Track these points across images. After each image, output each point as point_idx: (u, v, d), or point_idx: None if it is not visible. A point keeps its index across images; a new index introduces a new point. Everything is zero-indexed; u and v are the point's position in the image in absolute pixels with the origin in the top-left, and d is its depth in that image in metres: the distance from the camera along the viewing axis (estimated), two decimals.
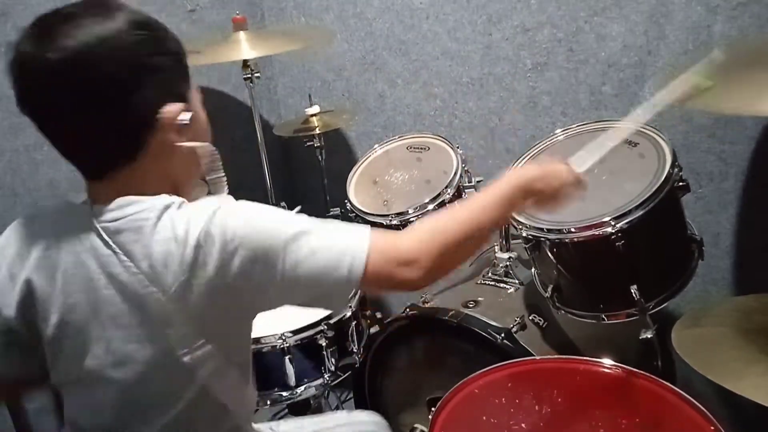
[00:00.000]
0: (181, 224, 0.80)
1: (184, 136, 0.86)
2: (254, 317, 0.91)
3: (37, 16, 0.80)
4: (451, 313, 1.41)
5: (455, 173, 1.52)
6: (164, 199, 0.83)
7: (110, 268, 0.81)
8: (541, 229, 1.25)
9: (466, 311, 1.42)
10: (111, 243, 0.81)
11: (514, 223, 1.32)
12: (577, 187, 1.04)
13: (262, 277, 0.82)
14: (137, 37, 0.80)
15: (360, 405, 1.66)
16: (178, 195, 0.86)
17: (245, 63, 1.84)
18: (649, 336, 1.24)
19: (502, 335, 1.33)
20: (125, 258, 0.80)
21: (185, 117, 0.85)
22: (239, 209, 0.85)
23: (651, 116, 1.12)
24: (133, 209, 0.82)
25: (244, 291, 0.83)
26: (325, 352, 1.48)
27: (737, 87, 1.03)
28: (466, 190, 1.54)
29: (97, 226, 0.82)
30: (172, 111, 0.84)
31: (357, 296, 1.56)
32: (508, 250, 1.60)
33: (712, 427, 0.96)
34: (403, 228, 1.50)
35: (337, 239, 0.85)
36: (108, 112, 0.80)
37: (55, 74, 0.77)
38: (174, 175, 0.88)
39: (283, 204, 2.03)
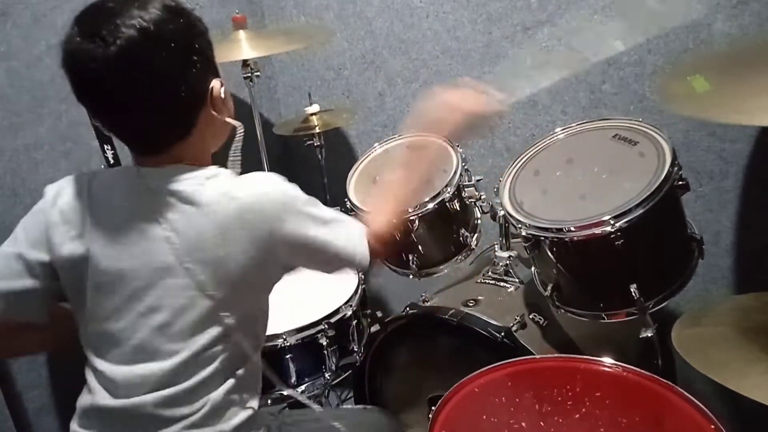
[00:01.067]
0: (231, 191, 0.89)
1: (222, 109, 0.95)
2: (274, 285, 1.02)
3: (80, 12, 0.84)
4: (451, 312, 1.41)
5: (455, 172, 1.52)
6: (211, 169, 0.93)
7: (157, 229, 0.89)
8: (541, 228, 1.25)
9: (466, 310, 1.42)
10: (161, 207, 0.89)
11: (514, 223, 1.32)
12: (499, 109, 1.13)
13: (300, 252, 0.96)
14: (178, 23, 0.86)
15: (360, 404, 1.66)
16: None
17: (245, 62, 1.84)
18: (649, 335, 1.24)
19: (502, 334, 1.33)
20: (169, 227, 0.88)
21: (224, 91, 0.94)
22: (287, 186, 0.96)
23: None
24: (186, 177, 0.90)
25: (279, 256, 0.94)
26: (325, 351, 1.48)
27: (734, 96, 1.03)
28: (466, 189, 1.54)
29: (152, 187, 0.90)
30: (216, 86, 0.93)
31: (358, 296, 1.56)
32: (508, 249, 1.60)
33: (713, 426, 0.96)
34: (403, 227, 1.50)
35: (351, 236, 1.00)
36: (166, 96, 0.86)
37: (110, 68, 0.81)
38: (210, 145, 0.98)
39: None
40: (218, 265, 0.90)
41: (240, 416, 0.98)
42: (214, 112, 0.93)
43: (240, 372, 0.98)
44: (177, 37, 0.85)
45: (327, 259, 1.00)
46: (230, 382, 0.97)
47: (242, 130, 0.99)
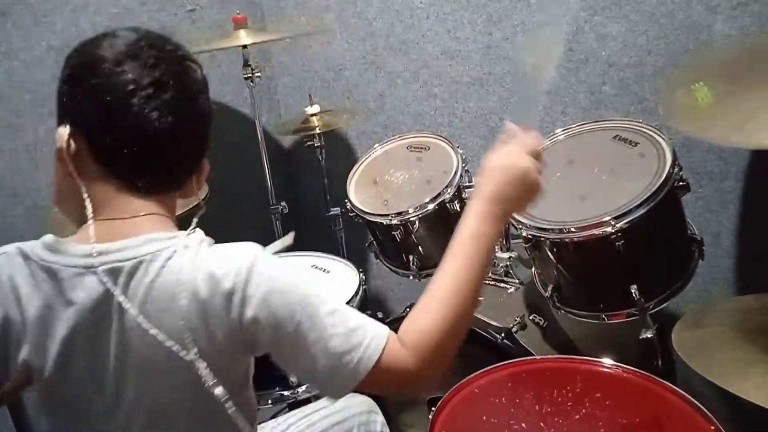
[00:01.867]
0: (208, 269, 0.76)
1: (198, 187, 0.90)
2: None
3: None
4: None
5: (455, 173, 1.52)
6: (182, 239, 0.79)
7: (117, 315, 0.77)
8: (541, 229, 1.25)
9: None
10: (114, 285, 0.77)
11: (514, 223, 1.32)
12: (541, 166, 0.87)
13: (276, 340, 0.78)
14: (207, 98, 0.87)
15: None
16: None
17: (246, 62, 1.84)
18: (649, 336, 1.24)
19: (502, 335, 1.33)
20: (126, 301, 0.76)
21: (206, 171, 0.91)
22: (273, 266, 0.79)
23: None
24: (149, 247, 0.77)
25: (259, 344, 0.79)
26: None
27: (735, 115, 1.03)
28: (466, 190, 1.54)
29: (101, 268, 0.77)
30: (206, 166, 0.90)
31: (359, 297, 1.56)
32: (508, 250, 1.60)
33: (712, 427, 0.96)
34: (403, 228, 1.50)
35: (358, 329, 0.78)
36: (186, 157, 0.86)
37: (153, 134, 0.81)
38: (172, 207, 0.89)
39: (283, 204, 2.03)
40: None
41: None
42: (195, 185, 0.88)
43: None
44: (200, 114, 0.87)
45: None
46: None
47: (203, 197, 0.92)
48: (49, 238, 0.84)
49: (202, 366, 0.77)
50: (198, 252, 0.79)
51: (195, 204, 0.91)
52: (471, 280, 0.80)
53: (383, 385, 0.81)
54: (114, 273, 0.77)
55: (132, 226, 0.81)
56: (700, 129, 1.11)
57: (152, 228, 0.81)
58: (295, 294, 0.77)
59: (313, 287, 0.80)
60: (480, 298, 0.82)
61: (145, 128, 0.80)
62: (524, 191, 0.85)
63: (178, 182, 0.88)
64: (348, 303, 1.51)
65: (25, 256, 0.83)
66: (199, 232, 0.83)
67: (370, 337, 0.77)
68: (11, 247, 0.85)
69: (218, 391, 0.78)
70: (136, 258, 0.77)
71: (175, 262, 0.77)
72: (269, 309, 0.76)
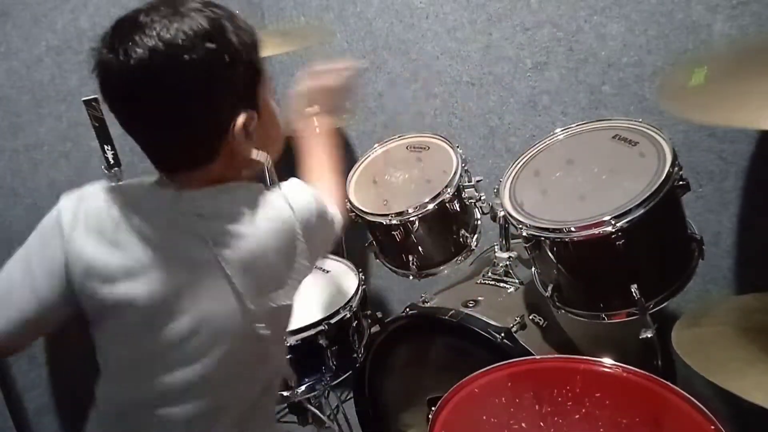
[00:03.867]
0: (275, 212, 0.90)
1: (249, 144, 0.90)
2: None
3: (114, 22, 0.83)
4: (451, 313, 1.41)
5: (455, 173, 1.52)
6: (253, 185, 0.92)
7: (195, 252, 0.85)
8: (541, 229, 1.25)
9: (466, 311, 1.42)
10: (200, 230, 0.86)
11: (514, 223, 1.32)
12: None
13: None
14: (203, 48, 0.80)
15: (360, 404, 1.66)
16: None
17: None
18: (649, 335, 1.24)
19: (502, 335, 1.33)
20: (213, 245, 0.85)
21: (252, 126, 0.88)
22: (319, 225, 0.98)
23: None
24: (224, 199, 0.88)
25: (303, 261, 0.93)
26: (325, 352, 1.48)
27: (734, 98, 1.03)
28: (466, 190, 1.54)
29: (189, 211, 0.87)
30: (240, 121, 0.86)
31: (358, 297, 1.56)
32: (508, 250, 1.60)
33: (713, 427, 0.96)
34: (403, 228, 1.51)
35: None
36: (183, 123, 0.83)
37: (130, 82, 0.80)
38: (239, 170, 0.94)
39: None
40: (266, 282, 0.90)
41: None
42: (243, 145, 0.88)
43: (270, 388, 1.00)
44: (197, 63, 0.80)
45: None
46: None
47: (269, 164, 0.98)
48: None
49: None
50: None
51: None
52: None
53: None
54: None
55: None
56: (697, 112, 1.11)
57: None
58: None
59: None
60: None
61: (120, 109, 0.87)
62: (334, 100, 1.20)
63: (193, 157, 0.88)
64: (347, 303, 1.52)
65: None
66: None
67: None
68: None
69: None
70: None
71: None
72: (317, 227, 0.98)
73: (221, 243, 0.85)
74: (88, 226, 0.88)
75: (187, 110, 0.82)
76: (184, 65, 0.79)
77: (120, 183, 0.95)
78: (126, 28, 0.80)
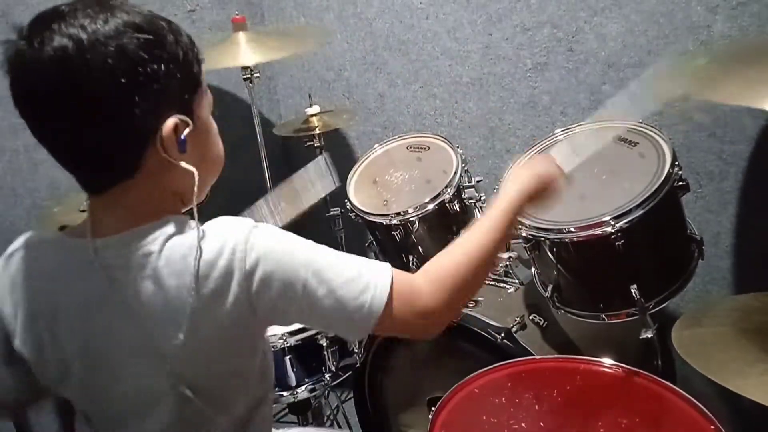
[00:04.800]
0: (200, 251, 0.75)
1: (173, 152, 0.77)
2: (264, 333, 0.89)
3: (37, 13, 0.75)
4: None
5: (455, 173, 1.52)
6: (170, 225, 0.78)
7: (115, 305, 0.77)
8: (541, 229, 1.25)
9: (466, 311, 1.42)
10: (114, 281, 0.77)
11: None
12: (565, 184, 1.05)
13: (286, 304, 0.79)
14: (136, 40, 0.72)
15: (360, 405, 1.66)
16: (185, 205, 0.82)
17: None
18: (649, 335, 1.24)
19: (502, 335, 1.33)
20: (132, 296, 0.76)
21: (185, 132, 0.77)
22: (270, 233, 0.80)
23: (638, 112, 1.13)
24: (138, 243, 0.76)
25: (263, 315, 0.79)
26: (325, 352, 1.48)
27: (736, 80, 1.03)
28: (466, 190, 1.54)
29: (102, 263, 0.77)
30: (168, 126, 0.75)
31: None
32: (507, 250, 1.60)
33: (713, 427, 0.96)
34: (403, 228, 1.50)
35: (362, 275, 0.81)
36: (99, 122, 0.73)
37: (42, 74, 0.71)
38: (177, 188, 0.81)
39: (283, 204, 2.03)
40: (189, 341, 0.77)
41: None
42: (164, 154, 0.76)
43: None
44: (119, 56, 0.71)
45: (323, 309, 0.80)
46: None
47: (196, 179, 0.79)
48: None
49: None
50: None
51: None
52: (493, 244, 0.92)
53: (401, 322, 0.83)
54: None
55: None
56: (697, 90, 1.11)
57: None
58: (295, 257, 0.79)
59: (308, 245, 0.82)
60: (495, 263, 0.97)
61: (27, 106, 0.78)
62: (544, 190, 1.01)
63: (112, 168, 0.77)
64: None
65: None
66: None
67: (375, 278, 0.81)
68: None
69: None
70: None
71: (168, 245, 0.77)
72: (274, 279, 0.77)
73: (131, 293, 0.76)
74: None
75: (109, 107, 0.72)
76: (108, 55, 0.70)
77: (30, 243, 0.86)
78: (45, 18, 0.72)
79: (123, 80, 0.71)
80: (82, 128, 0.73)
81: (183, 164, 0.78)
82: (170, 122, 0.76)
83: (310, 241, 0.83)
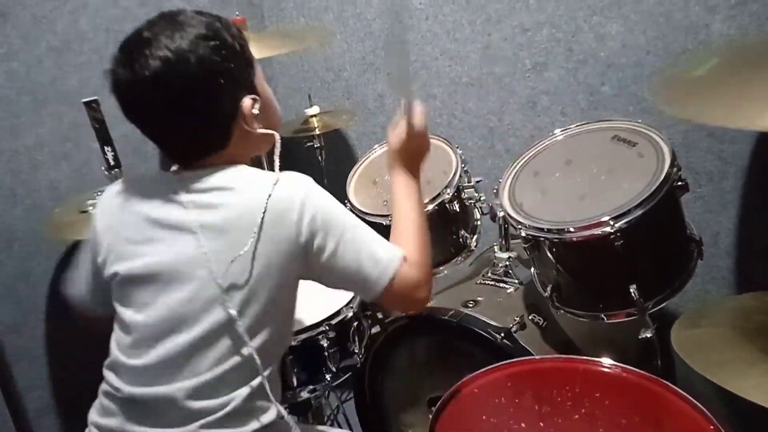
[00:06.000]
0: (269, 190, 0.95)
1: (258, 122, 1.00)
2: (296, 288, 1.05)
3: (123, 40, 0.94)
4: (450, 313, 1.41)
5: (455, 173, 1.52)
6: (248, 169, 1.00)
7: (190, 225, 0.95)
8: (541, 229, 1.26)
9: (466, 311, 1.42)
10: (192, 203, 0.95)
11: (514, 224, 1.32)
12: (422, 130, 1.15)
13: (323, 246, 0.98)
14: (208, 48, 0.92)
15: (360, 405, 1.67)
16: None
17: None
18: (648, 335, 1.24)
19: (502, 335, 1.33)
20: (205, 216, 0.95)
21: (257, 107, 1.00)
22: (323, 194, 1.01)
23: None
24: (219, 175, 0.97)
25: (302, 259, 0.97)
26: (326, 353, 1.48)
27: (738, 99, 1.03)
28: (465, 190, 1.54)
29: (186, 188, 0.96)
30: (247, 104, 0.98)
31: (358, 297, 1.56)
32: (507, 250, 1.60)
33: (712, 427, 0.96)
34: None
35: (377, 248, 1.03)
36: (197, 114, 0.94)
37: (146, 91, 0.91)
38: (254, 151, 1.08)
39: None
40: (242, 262, 0.94)
41: (260, 422, 0.99)
42: (246, 127, 0.99)
43: (266, 373, 0.99)
44: (200, 64, 0.92)
45: (354, 263, 1.01)
46: (256, 381, 0.98)
47: (279, 140, 1.04)
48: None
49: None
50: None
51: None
52: (421, 215, 1.12)
53: (400, 295, 1.04)
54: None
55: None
56: (692, 112, 1.11)
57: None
58: (339, 218, 1.01)
59: (351, 218, 1.03)
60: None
61: (138, 118, 0.99)
62: (419, 156, 1.16)
63: (209, 146, 0.99)
64: (348, 304, 1.52)
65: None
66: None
67: (389, 259, 1.03)
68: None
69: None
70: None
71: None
72: (320, 227, 0.97)
73: (199, 211, 0.95)
74: (103, 213, 1.04)
75: (199, 104, 0.93)
76: (192, 66, 0.91)
77: (134, 176, 1.08)
78: (133, 45, 0.93)
79: (206, 80, 0.93)
80: (183, 122, 0.95)
81: (262, 131, 1.01)
82: (247, 102, 0.98)
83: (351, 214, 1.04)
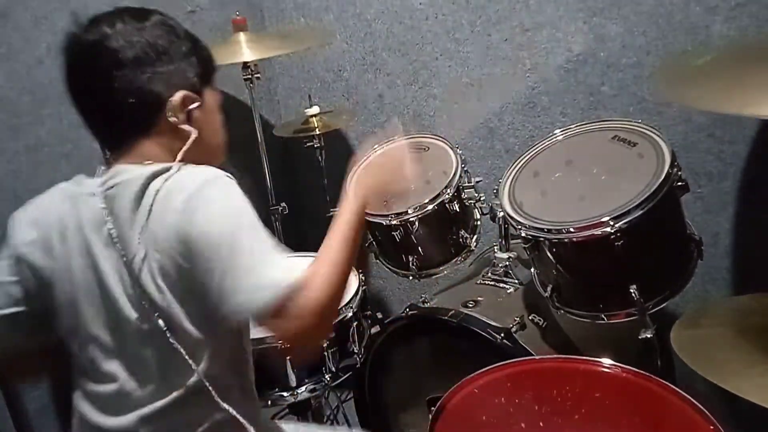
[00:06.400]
0: (165, 190, 0.91)
1: (191, 122, 0.98)
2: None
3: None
4: (450, 313, 1.41)
5: (455, 173, 1.52)
6: (154, 166, 0.93)
7: (102, 231, 0.93)
8: (541, 229, 1.26)
9: (466, 311, 1.42)
10: (105, 207, 0.94)
11: (514, 224, 1.32)
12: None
13: (199, 267, 0.88)
14: (160, 32, 0.95)
15: (360, 405, 1.67)
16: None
17: (245, 64, 1.84)
18: (648, 336, 1.24)
19: (502, 335, 1.33)
20: (111, 221, 0.93)
21: (193, 105, 0.98)
22: (225, 191, 0.93)
23: None
24: (125, 176, 0.94)
25: (186, 269, 0.89)
26: (325, 353, 1.48)
27: (737, 86, 1.03)
28: (465, 190, 1.54)
29: (99, 191, 0.95)
30: (178, 96, 0.96)
31: (358, 297, 1.56)
32: (507, 250, 1.60)
33: (712, 427, 0.96)
34: (402, 228, 1.51)
35: (265, 273, 0.87)
36: (127, 89, 0.93)
37: (88, 52, 0.93)
38: (178, 150, 0.98)
39: (283, 204, 2.03)
40: (163, 268, 0.91)
41: None
42: (170, 116, 0.96)
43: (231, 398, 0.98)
44: (152, 42, 0.94)
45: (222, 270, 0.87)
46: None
47: (194, 136, 0.98)
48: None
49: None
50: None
51: None
52: (349, 256, 0.97)
53: (282, 324, 0.86)
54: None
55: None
56: (690, 98, 1.11)
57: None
58: (230, 222, 0.89)
59: (250, 221, 0.91)
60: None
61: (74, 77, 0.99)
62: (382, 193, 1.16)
63: (131, 126, 0.97)
64: (347, 304, 1.52)
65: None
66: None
67: (269, 284, 0.85)
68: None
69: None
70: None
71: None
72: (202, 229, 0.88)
73: (116, 215, 0.93)
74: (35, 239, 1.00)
75: (132, 77, 0.93)
76: (138, 41, 0.93)
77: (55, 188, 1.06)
78: (98, 17, 0.95)
79: (147, 57, 0.94)
80: (112, 95, 0.93)
81: (185, 126, 0.97)
82: (178, 95, 0.96)
83: (253, 218, 0.92)
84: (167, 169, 0.93)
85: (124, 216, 0.92)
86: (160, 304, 0.91)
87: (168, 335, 0.92)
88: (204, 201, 0.89)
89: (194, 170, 0.94)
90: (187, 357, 0.93)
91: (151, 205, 0.90)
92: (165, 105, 0.96)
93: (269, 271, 0.86)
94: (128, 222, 0.91)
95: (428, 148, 1.68)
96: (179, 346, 0.92)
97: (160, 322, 0.91)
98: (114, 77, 0.92)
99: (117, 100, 0.94)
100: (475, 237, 1.60)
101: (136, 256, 0.91)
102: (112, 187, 0.94)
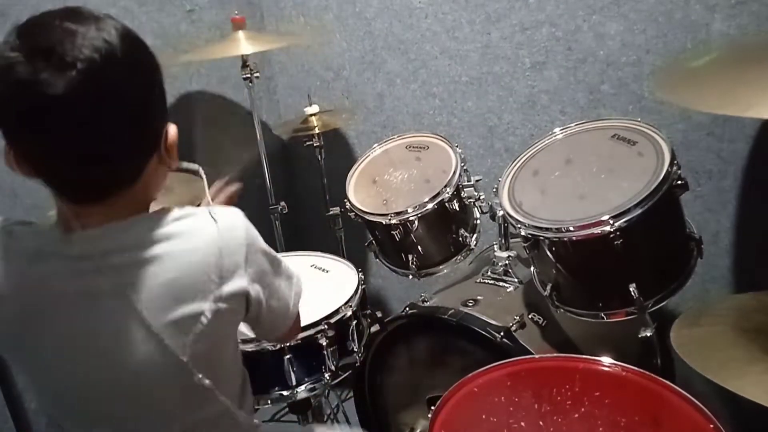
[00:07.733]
0: (202, 251, 0.80)
1: (169, 158, 0.82)
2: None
3: (21, 27, 0.76)
4: (450, 312, 1.41)
5: (454, 172, 1.52)
6: (159, 220, 0.80)
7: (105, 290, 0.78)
8: (540, 228, 1.25)
9: (466, 310, 1.42)
10: (105, 267, 0.78)
11: (513, 223, 1.32)
12: None
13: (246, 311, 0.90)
14: (139, 49, 0.75)
15: (360, 404, 1.67)
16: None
17: (245, 63, 1.84)
18: (648, 334, 1.24)
19: (502, 334, 1.33)
20: (123, 288, 0.77)
21: (175, 138, 0.82)
22: (260, 251, 0.89)
23: None
24: (128, 237, 0.78)
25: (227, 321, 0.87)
26: (325, 352, 1.48)
27: (738, 88, 1.03)
28: (465, 189, 1.54)
29: (90, 253, 0.78)
30: (172, 131, 0.80)
31: (358, 296, 1.56)
32: (507, 249, 1.60)
33: (712, 426, 0.96)
34: (402, 227, 1.51)
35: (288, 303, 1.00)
36: (123, 129, 0.74)
37: (70, 87, 0.68)
38: (154, 196, 0.85)
39: (282, 204, 2.03)
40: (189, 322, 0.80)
41: None
42: (166, 156, 0.81)
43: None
44: (138, 61, 0.75)
45: (278, 313, 0.99)
46: None
47: (204, 177, 0.96)
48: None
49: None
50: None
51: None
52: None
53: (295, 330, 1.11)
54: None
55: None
56: (689, 100, 1.11)
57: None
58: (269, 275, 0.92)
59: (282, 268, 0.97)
60: None
61: (61, 129, 0.74)
62: None
63: (127, 172, 0.78)
64: (347, 303, 1.52)
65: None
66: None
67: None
68: None
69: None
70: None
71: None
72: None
73: (129, 276, 0.77)
74: None
75: (130, 114, 0.73)
76: (131, 62, 0.73)
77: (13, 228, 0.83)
78: (47, 33, 0.74)
79: (147, 87, 0.75)
80: (106, 135, 0.72)
81: (186, 164, 0.90)
82: (173, 129, 0.80)
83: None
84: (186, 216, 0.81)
85: (143, 271, 0.77)
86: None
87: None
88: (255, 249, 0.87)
89: (223, 212, 0.85)
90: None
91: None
92: (159, 141, 0.78)
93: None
94: (150, 274, 0.77)
95: (428, 147, 1.68)
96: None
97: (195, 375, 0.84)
98: (108, 110, 0.73)
99: (109, 145, 0.74)
100: (474, 236, 1.60)
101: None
102: (107, 251, 0.78)
